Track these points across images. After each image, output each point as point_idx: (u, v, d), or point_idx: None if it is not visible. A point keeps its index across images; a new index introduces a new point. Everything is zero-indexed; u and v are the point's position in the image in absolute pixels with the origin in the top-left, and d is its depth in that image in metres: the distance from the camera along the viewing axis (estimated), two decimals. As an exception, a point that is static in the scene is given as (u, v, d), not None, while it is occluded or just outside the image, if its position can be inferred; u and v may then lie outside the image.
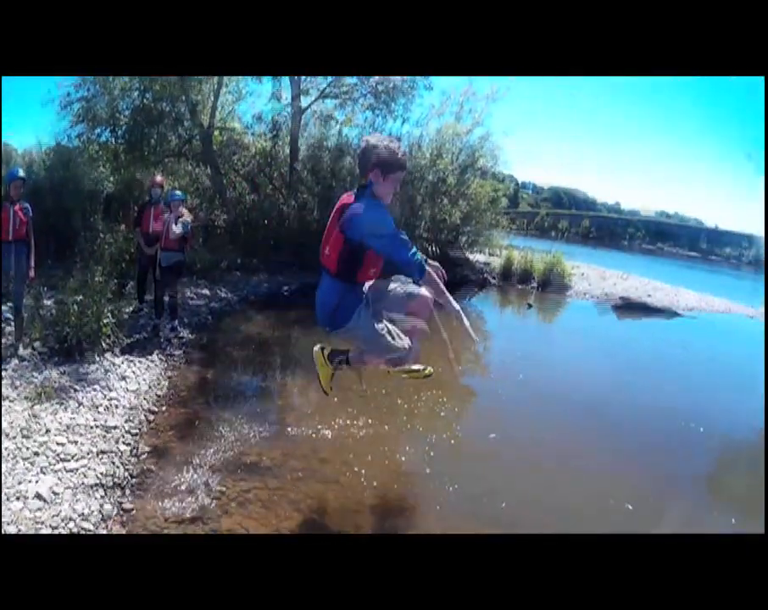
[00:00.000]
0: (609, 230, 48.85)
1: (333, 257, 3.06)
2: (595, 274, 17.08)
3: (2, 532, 2.86)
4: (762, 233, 42.49)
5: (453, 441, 4.70)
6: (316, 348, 3.51)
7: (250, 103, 13.53)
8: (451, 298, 3.08)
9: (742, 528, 3.93)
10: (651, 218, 57.36)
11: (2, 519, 2.88)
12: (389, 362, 3.43)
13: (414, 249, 2.92)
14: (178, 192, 6.67)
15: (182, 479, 3.63)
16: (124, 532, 3.06)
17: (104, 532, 3.05)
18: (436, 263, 3.28)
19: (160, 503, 3.35)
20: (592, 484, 4.41)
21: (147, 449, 3.97)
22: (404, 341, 3.28)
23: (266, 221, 11.74)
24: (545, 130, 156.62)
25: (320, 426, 4.64)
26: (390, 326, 3.23)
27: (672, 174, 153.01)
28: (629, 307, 12.90)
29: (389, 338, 3.18)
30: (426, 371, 3.68)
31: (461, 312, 3.08)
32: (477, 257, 15.57)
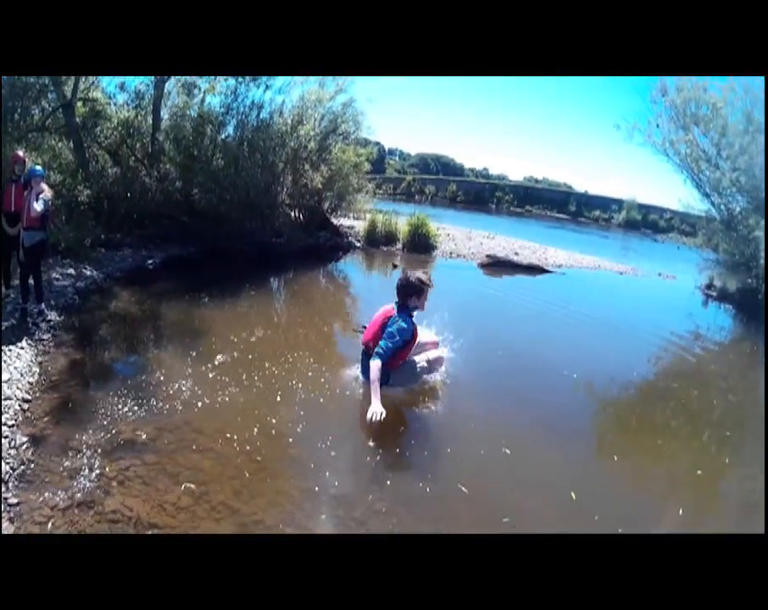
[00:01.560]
0: (477, 194, 49.67)
1: (375, 348, 4.72)
2: (461, 235, 18.02)
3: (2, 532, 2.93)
4: (628, 197, 45.36)
5: (322, 400, 4.96)
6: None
7: (114, 72, 13.02)
8: (376, 398, 4.34)
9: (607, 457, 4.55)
10: (519, 182, 58.57)
11: None
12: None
13: (389, 354, 4.67)
14: (38, 168, 6.53)
15: (62, 466, 3.68)
16: (12, 528, 3.07)
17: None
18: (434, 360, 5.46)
19: (44, 493, 3.39)
20: (467, 435, 4.73)
21: (24, 439, 3.95)
22: (422, 361, 5.29)
23: (129, 194, 11.38)
24: (414, 100, 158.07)
25: (191, 397, 4.81)
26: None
27: (542, 143, 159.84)
28: (496, 265, 13.68)
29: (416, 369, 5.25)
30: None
31: (376, 405, 4.28)
32: (341, 222, 15.87)
